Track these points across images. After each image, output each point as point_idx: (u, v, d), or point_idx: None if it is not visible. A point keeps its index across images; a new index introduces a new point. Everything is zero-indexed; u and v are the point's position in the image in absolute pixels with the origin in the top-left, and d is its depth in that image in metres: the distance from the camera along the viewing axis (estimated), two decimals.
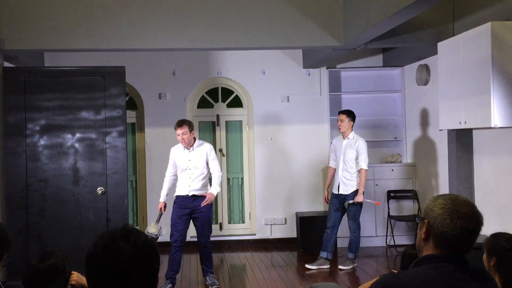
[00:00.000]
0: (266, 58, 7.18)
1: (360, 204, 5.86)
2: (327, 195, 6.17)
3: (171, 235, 5.20)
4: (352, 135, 5.93)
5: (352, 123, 5.94)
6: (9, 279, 5.08)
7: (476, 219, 1.70)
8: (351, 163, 5.85)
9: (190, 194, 5.22)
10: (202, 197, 5.21)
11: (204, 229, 5.26)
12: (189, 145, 5.22)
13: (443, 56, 5.07)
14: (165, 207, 5.30)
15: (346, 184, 5.86)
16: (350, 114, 5.95)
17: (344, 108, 7.35)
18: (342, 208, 5.93)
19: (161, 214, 5.28)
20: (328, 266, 5.90)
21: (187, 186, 5.22)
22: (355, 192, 5.82)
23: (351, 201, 5.81)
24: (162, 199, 5.31)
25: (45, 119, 5.24)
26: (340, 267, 5.91)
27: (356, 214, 5.86)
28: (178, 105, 7.09)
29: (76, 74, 5.39)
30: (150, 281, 1.40)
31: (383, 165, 7.09)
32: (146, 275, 1.39)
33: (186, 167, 5.23)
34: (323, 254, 5.92)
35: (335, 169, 6.06)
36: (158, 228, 5.12)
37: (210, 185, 5.33)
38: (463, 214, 1.68)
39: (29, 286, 2.42)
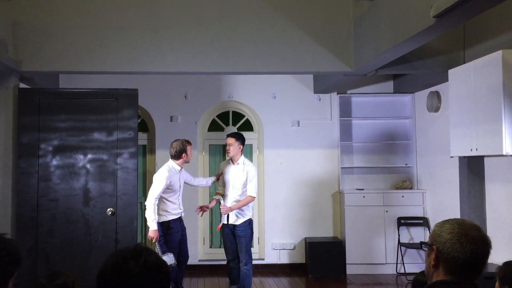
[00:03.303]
0: (277, 82, 7.24)
1: (250, 235, 5.40)
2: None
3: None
4: (241, 160, 5.39)
5: (241, 147, 5.38)
6: None
7: (484, 242, 1.69)
8: (241, 190, 5.33)
9: (182, 216, 5.39)
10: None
11: (186, 248, 5.45)
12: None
13: (454, 83, 5.09)
14: None
15: (238, 214, 5.33)
16: (240, 138, 5.40)
17: (354, 133, 7.39)
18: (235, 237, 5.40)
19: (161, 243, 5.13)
20: None
21: (179, 208, 5.35)
22: (247, 222, 5.36)
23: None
24: (156, 227, 5.07)
25: (58, 140, 5.30)
26: None
27: (248, 245, 5.37)
28: (189, 128, 7.13)
29: (89, 96, 5.46)
30: None
31: (393, 192, 7.04)
32: None
33: (179, 188, 5.35)
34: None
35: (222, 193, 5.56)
36: (172, 257, 4.98)
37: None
38: (472, 237, 1.68)
39: None
